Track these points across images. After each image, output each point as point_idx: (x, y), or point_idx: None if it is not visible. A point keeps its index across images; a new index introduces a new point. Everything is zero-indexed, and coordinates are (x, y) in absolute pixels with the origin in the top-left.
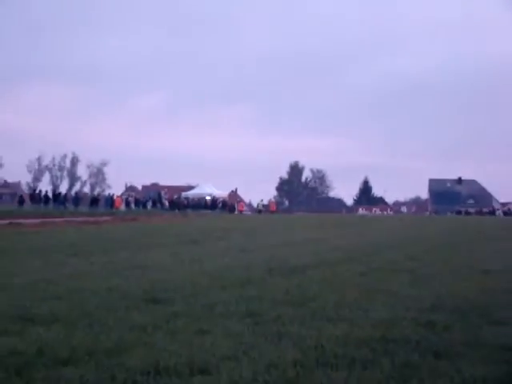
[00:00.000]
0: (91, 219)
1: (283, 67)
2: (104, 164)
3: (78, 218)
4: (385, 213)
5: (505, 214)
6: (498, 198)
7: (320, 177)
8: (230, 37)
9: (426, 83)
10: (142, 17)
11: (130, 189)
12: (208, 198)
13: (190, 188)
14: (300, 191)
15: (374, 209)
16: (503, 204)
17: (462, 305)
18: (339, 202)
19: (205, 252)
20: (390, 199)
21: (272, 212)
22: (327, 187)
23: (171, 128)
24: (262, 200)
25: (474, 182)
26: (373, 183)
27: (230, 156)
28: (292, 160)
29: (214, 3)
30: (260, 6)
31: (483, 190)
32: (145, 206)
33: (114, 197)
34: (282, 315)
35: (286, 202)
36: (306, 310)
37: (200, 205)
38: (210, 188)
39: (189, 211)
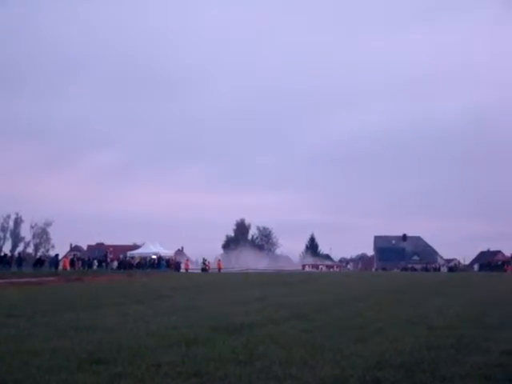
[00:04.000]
0: (35, 280)
1: (233, 126)
2: (48, 224)
3: (21, 278)
4: (331, 270)
5: (449, 269)
6: (442, 254)
7: (266, 234)
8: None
9: (371, 143)
10: (97, 70)
11: (75, 249)
12: (154, 256)
13: (136, 247)
14: (246, 249)
15: (320, 266)
16: (447, 260)
17: (407, 361)
18: (286, 260)
19: (151, 311)
20: (336, 256)
21: (219, 270)
22: (273, 245)
23: (118, 187)
24: (205, 259)
25: (418, 238)
26: (319, 240)
27: (176, 215)
28: (238, 217)
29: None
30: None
31: (427, 246)
32: (90, 265)
33: (60, 257)
34: (229, 374)
35: (232, 260)
36: (253, 369)
37: (146, 264)
38: (156, 247)
39: (135, 270)
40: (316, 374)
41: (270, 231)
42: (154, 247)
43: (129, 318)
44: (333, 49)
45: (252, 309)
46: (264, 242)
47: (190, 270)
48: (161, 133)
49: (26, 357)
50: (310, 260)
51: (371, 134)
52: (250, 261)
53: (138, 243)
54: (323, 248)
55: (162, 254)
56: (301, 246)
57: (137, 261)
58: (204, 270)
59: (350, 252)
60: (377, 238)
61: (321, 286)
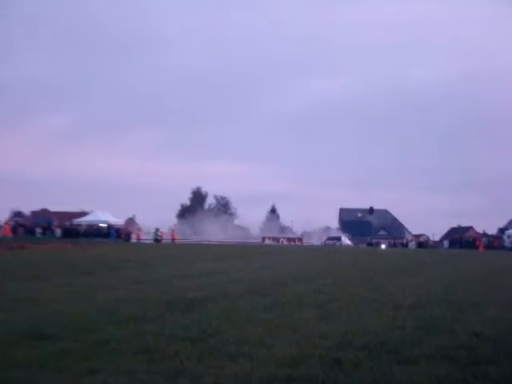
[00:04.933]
0: None
1: (193, 88)
2: None
3: None
4: (292, 243)
5: (418, 245)
6: (410, 229)
7: (224, 203)
8: (140, 56)
9: (339, 108)
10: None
11: (17, 214)
12: (103, 225)
13: (84, 214)
14: (203, 219)
15: (281, 239)
16: (416, 236)
17: (371, 342)
18: (245, 231)
19: (98, 284)
20: (298, 229)
21: (172, 241)
22: (232, 215)
23: (67, 151)
24: (157, 229)
25: (385, 212)
26: (281, 212)
27: (128, 182)
28: (194, 186)
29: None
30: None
31: (395, 220)
32: (33, 233)
33: (1, 223)
34: (180, 352)
35: (188, 231)
36: (205, 347)
37: (94, 233)
38: (106, 215)
39: (81, 239)
40: (273, 353)
41: (228, 201)
42: (103, 215)
43: (75, 291)
44: (303, 14)
45: (206, 283)
46: (222, 212)
47: (141, 241)
48: (116, 97)
49: None
50: (271, 232)
51: (338, 101)
52: (206, 232)
53: (86, 210)
54: (284, 220)
55: (111, 223)
56: (261, 217)
57: (84, 229)
58: (157, 240)
59: (314, 225)
60: (342, 211)
61: (281, 261)
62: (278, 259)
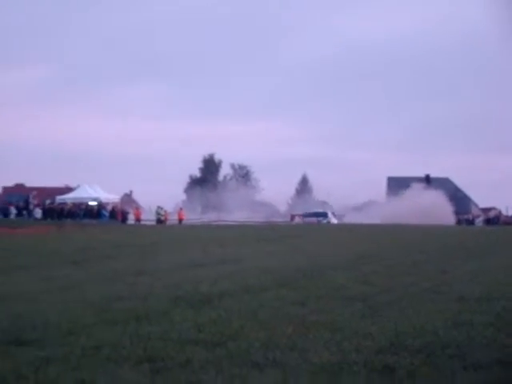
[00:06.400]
0: None
1: (201, 30)
2: None
3: None
4: (329, 222)
5: (487, 222)
6: (477, 202)
7: (243, 174)
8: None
9: (388, 54)
10: None
11: None
12: (92, 203)
13: (69, 190)
14: (217, 194)
15: (315, 217)
16: (484, 210)
17: (429, 343)
18: (270, 208)
19: (88, 276)
20: (335, 204)
21: (179, 221)
22: (253, 188)
23: (46, 112)
24: (160, 207)
25: (446, 180)
26: (313, 183)
27: (123, 149)
28: (206, 153)
29: None
30: None
31: (458, 191)
32: (6, 214)
33: None
34: (192, 359)
35: (198, 208)
36: (224, 352)
37: (81, 212)
38: (96, 190)
39: (66, 221)
40: (307, 359)
41: (248, 170)
42: (93, 191)
43: (58, 285)
44: None
45: (223, 274)
46: (240, 184)
47: (141, 222)
48: (103, 45)
49: None
50: (302, 209)
51: (385, 44)
52: (221, 210)
53: (72, 185)
54: (319, 194)
55: (103, 200)
56: (289, 190)
57: (69, 208)
58: (160, 221)
59: (355, 198)
60: (391, 180)
61: (314, 244)
62: (311, 242)
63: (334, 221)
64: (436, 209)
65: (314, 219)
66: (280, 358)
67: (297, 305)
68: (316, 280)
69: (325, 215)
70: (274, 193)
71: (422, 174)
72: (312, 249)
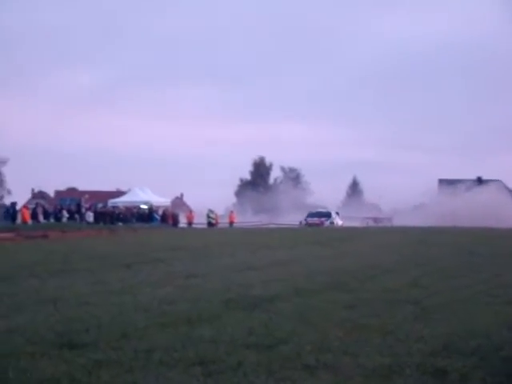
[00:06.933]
0: None
1: (251, 32)
2: (3, 162)
3: None
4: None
5: None
6: None
7: (294, 177)
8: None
9: (436, 55)
10: None
11: (39, 195)
12: (144, 206)
13: (120, 194)
14: (267, 197)
15: (366, 219)
16: None
17: (482, 346)
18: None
19: (140, 279)
20: (386, 206)
21: (230, 224)
22: (303, 191)
23: (97, 116)
24: (211, 211)
25: (499, 183)
26: (364, 186)
27: (174, 152)
28: (256, 156)
29: None
30: None
31: (511, 193)
32: (59, 218)
33: (18, 206)
34: (244, 362)
35: (249, 211)
36: (276, 356)
37: (133, 216)
38: (147, 193)
39: (117, 224)
40: (359, 362)
41: (298, 173)
42: (145, 194)
43: (110, 288)
44: None
45: (274, 276)
46: (291, 187)
47: (192, 225)
48: (154, 49)
49: None
50: (352, 212)
51: (435, 44)
52: (271, 212)
53: (123, 189)
54: (369, 196)
55: (154, 204)
56: (340, 193)
57: (121, 212)
58: (211, 224)
59: (406, 201)
60: (442, 183)
61: (365, 247)
62: (361, 244)
63: (339, 222)
64: (493, 209)
65: (316, 220)
66: (332, 361)
67: (348, 308)
68: (367, 283)
69: (328, 215)
70: (325, 195)
71: (473, 176)
72: (362, 251)
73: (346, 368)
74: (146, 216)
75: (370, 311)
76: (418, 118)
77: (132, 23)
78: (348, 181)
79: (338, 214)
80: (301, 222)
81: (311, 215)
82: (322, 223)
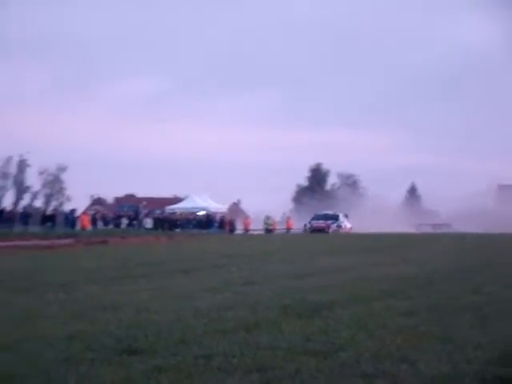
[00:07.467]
0: (45, 243)
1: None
2: (62, 169)
3: (27, 241)
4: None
5: None
6: None
7: (351, 183)
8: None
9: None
10: None
11: (98, 202)
12: (201, 213)
13: (178, 200)
14: (324, 203)
15: (423, 225)
16: None
17: None
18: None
19: (198, 285)
20: (444, 212)
21: (287, 231)
22: (361, 197)
23: (154, 123)
24: (268, 217)
25: None
26: (422, 192)
27: (231, 158)
28: (313, 161)
29: None
30: None
31: None
32: (118, 224)
33: (77, 213)
34: (302, 369)
35: (306, 218)
36: (334, 363)
37: (191, 222)
38: (204, 200)
39: (176, 231)
40: (418, 370)
41: (355, 179)
42: (202, 200)
43: (169, 294)
44: None
45: (332, 283)
46: (348, 193)
47: (249, 231)
48: (208, 54)
49: (37, 345)
50: (411, 218)
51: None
52: None
53: (180, 195)
54: (427, 202)
55: (212, 210)
56: (398, 199)
57: (178, 218)
58: (268, 230)
59: (465, 207)
60: (501, 188)
61: (422, 253)
62: (418, 251)
63: (348, 225)
64: None
65: (321, 223)
66: (390, 368)
67: (406, 315)
68: (425, 290)
69: (335, 218)
70: (382, 202)
71: None
72: (420, 258)
73: (405, 376)
74: (204, 222)
75: (428, 318)
76: (475, 124)
77: (192, 31)
78: (406, 186)
79: (346, 216)
80: (305, 226)
81: (316, 217)
82: (328, 227)
